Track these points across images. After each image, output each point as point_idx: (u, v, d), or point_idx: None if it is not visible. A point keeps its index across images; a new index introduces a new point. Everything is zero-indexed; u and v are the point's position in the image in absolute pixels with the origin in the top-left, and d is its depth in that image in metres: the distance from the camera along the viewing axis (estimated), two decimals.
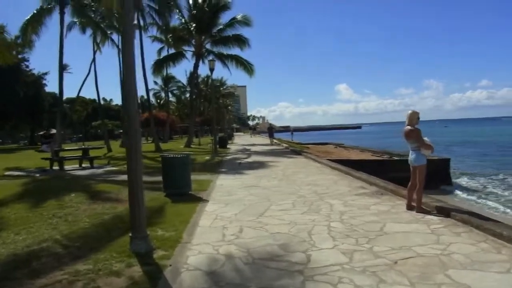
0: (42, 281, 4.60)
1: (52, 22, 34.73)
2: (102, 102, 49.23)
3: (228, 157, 23.87)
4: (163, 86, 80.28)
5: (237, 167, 17.43)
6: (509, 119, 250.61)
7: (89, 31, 39.53)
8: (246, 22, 37.48)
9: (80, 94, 50.34)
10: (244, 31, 38.04)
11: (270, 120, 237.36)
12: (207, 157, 23.36)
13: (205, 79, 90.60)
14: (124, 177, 14.97)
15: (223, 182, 12.82)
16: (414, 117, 7.66)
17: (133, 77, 5.96)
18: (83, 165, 19.46)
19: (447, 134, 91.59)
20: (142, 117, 59.81)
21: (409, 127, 7.64)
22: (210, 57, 37.60)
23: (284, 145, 37.14)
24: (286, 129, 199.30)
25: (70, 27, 38.57)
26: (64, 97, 48.62)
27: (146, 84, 35.50)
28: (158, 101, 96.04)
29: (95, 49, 41.54)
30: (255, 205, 8.87)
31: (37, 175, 16.35)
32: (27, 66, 69.39)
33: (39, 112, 72.47)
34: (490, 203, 17.03)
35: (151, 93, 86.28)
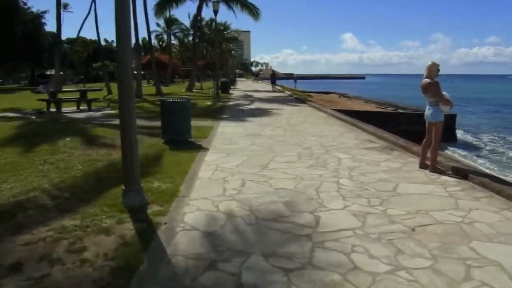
0: (25, 237, 4.18)
1: None
2: (104, 43, 48.06)
3: (230, 103, 23.28)
4: (165, 29, 78.39)
5: (239, 114, 16.91)
6: None
7: None
8: None
9: (81, 35, 48.96)
10: None
11: (274, 66, 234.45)
12: (209, 102, 22.78)
13: (209, 22, 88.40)
14: None
15: (225, 129, 12.33)
16: (433, 69, 7.03)
17: (127, 9, 5.33)
18: (81, 108, 18.91)
19: (454, 90, 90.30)
20: (144, 60, 58.85)
21: (427, 80, 7.03)
22: None
23: (288, 92, 36.45)
24: (289, 76, 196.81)
25: None
26: (64, 37, 47.73)
27: (148, 26, 34.40)
28: (161, 43, 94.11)
29: None
30: (258, 156, 8.41)
31: (33, 117, 15.84)
32: (25, 4, 67.58)
33: (38, 52, 71.23)
34: (481, 161, 16.61)
35: (153, 35, 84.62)
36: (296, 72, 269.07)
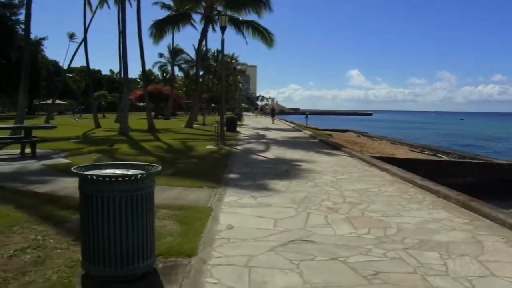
0: None
1: None
2: (108, 73, 43.23)
3: (239, 148, 17.33)
4: (169, 60, 73.70)
5: (255, 172, 10.91)
6: None
7: None
8: None
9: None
10: None
11: (280, 101, 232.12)
12: (210, 146, 16.90)
13: (215, 54, 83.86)
14: (65, 183, 8.59)
15: (234, 219, 6.24)
16: None
17: None
18: (27, 151, 13.06)
19: (475, 128, 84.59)
20: (143, 91, 53.81)
21: None
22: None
23: (307, 132, 30.51)
24: (295, 111, 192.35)
25: None
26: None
27: (142, 53, 28.46)
28: (164, 74, 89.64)
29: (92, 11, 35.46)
30: None
31: None
32: (23, 30, 63.77)
33: (34, 80, 66.78)
34: None
35: (156, 66, 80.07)
36: (302, 107, 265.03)
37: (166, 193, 7.64)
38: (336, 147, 18.03)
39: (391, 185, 9.37)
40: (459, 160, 21.26)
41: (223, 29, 18.19)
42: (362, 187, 9.00)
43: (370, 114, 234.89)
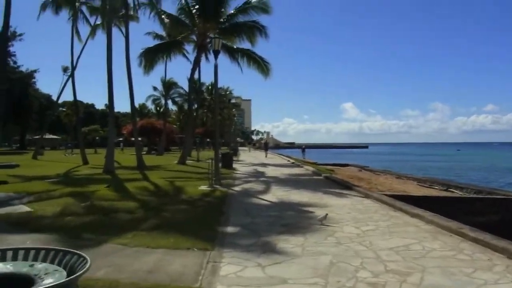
0: None
1: None
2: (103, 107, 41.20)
3: (236, 189, 15.16)
4: (163, 93, 72.00)
5: (257, 222, 8.77)
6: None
7: (65, 13, 31.88)
8: (263, 8, 29.21)
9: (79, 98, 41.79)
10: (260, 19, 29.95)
11: (274, 135, 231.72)
12: (203, 187, 14.76)
13: (209, 87, 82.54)
14: (9, 244, 6.48)
15: None
16: None
17: None
18: None
19: (476, 158, 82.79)
20: (137, 125, 51.88)
21: None
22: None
23: (309, 168, 28.40)
24: (291, 145, 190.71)
25: (45, 6, 31.17)
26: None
27: (131, 85, 25.81)
28: (158, 108, 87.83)
29: (80, 40, 33.72)
30: None
31: None
32: (15, 62, 61.84)
33: (25, 114, 64.91)
34: None
35: (150, 100, 78.39)
36: (297, 141, 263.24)
37: (139, 261, 5.56)
38: (347, 185, 15.94)
39: (435, 238, 7.27)
40: (481, 196, 19.33)
41: (216, 53, 16.36)
42: (399, 243, 6.90)
43: (366, 147, 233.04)
